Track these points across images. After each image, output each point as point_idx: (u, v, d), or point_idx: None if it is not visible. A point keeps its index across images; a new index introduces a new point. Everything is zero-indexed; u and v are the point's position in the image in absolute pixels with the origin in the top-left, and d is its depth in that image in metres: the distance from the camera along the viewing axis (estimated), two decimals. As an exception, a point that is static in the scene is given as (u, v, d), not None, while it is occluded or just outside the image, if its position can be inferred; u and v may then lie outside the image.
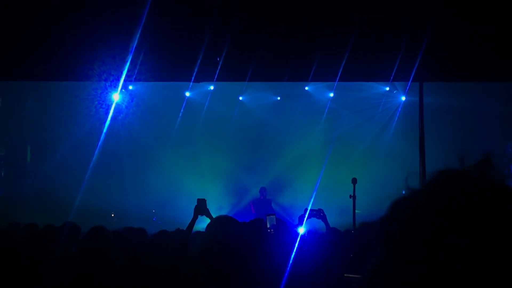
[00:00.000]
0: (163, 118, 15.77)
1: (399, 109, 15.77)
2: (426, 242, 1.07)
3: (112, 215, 14.68)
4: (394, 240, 1.12)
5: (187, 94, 15.89)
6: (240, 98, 16.30)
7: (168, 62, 9.23)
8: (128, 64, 8.66)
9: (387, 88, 15.86)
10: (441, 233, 1.07)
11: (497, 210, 1.10)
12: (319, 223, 7.01)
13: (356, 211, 9.05)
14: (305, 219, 6.94)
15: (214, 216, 6.48)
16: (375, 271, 1.12)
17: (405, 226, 1.12)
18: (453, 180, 1.20)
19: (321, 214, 6.92)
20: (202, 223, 6.69)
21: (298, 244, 4.39)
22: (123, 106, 14.93)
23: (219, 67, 8.83)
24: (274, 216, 7.95)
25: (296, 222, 7.32)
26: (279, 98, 16.32)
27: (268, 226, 7.50)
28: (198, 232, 5.82)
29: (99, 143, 13.43)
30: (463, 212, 1.09)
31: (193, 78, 9.33)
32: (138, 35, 7.76)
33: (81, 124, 14.87)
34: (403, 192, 1.28)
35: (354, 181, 9.02)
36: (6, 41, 8.28)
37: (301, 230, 6.67)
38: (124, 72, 9.01)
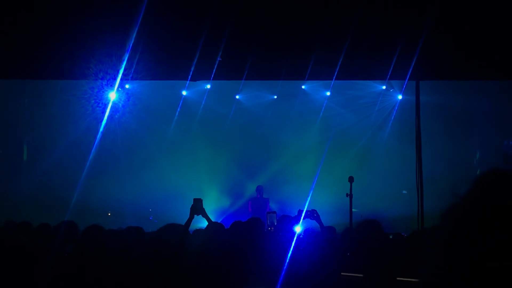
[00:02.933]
0: (159, 117, 15.76)
1: (396, 108, 15.77)
2: (480, 249, 1.06)
3: (109, 214, 14.66)
4: (450, 246, 1.10)
5: (184, 93, 15.87)
6: (237, 96, 16.29)
7: (164, 60, 9.22)
8: (124, 62, 8.64)
9: (384, 87, 15.87)
10: (495, 240, 1.05)
11: None
12: (314, 223, 7.02)
13: (353, 209, 9.05)
14: (301, 219, 6.95)
15: (210, 216, 6.49)
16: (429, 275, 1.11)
17: (461, 233, 1.10)
18: (502, 183, 1.16)
19: (315, 214, 6.94)
20: (199, 223, 6.71)
21: (295, 243, 4.39)
22: (120, 105, 14.89)
23: (215, 65, 8.82)
24: (275, 214, 7.94)
25: None
26: (275, 97, 16.31)
27: (268, 223, 7.50)
28: (197, 230, 5.83)
29: (96, 142, 13.40)
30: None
31: (189, 76, 9.32)
32: (134, 33, 7.75)
33: (78, 123, 14.84)
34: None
35: (350, 179, 9.02)
36: (2, 39, 8.26)
37: (298, 229, 6.69)
38: (121, 71, 8.99)
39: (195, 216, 6.26)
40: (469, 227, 1.12)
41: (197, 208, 6.37)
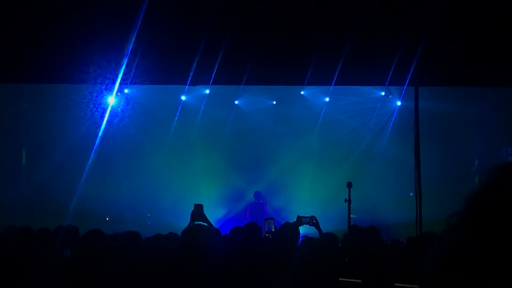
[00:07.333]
0: (158, 122, 15.76)
1: (395, 114, 15.79)
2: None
3: (107, 218, 14.64)
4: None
5: (183, 97, 15.87)
6: (236, 102, 16.30)
7: (164, 65, 9.21)
8: (123, 67, 8.64)
9: (383, 93, 15.89)
10: None
11: None
12: (313, 229, 7.02)
13: (351, 215, 9.06)
14: (300, 225, 6.94)
15: (211, 220, 6.48)
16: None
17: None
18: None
19: (314, 221, 6.94)
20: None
21: (293, 249, 4.38)
22: (119, 109, 14.92)
23: (215, 70, 8.82)
24: (273, 220, 7.88)
25: None
26: (274, 102, 16.32)
27: (266, 230, 7.46)
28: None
29: (95, 146, 13.40)
30: None
31: (189, 81, 9.32)
32: (134, 38, 7.75)
33: (77, 127, 14.84)
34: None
35: (349, 185, 9.03)
36: (1, 44, 8.26)
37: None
38: (120, 75, 8.99)
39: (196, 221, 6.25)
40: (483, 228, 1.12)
41: (198, 213, 6.37)
